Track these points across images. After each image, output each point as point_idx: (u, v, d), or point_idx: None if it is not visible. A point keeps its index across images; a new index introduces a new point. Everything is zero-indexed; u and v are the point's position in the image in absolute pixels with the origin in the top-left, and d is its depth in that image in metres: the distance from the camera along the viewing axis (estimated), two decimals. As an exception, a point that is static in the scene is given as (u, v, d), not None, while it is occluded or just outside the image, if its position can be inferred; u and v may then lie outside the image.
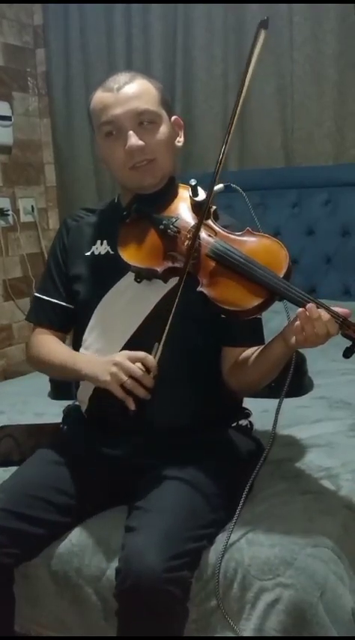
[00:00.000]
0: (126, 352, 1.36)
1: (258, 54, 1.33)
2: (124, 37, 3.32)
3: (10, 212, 3.46)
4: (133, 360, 1.33)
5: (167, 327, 1.31)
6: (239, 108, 1.36)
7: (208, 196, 1.40)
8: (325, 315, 1.26)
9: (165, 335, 1.31)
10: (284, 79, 2.99)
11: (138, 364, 1.32)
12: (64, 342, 1.63)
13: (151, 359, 1.32)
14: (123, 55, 3.34)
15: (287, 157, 3.05)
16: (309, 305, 1.26)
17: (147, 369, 1.32)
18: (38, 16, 3.60)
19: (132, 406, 1.32)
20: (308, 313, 1.26)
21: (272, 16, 2.90)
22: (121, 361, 1.33)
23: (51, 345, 1.57)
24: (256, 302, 1.32)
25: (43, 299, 1.60)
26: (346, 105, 2.90)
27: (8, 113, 3.41)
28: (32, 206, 3.62)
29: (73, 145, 3.54)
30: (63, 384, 2.08)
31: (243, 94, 1.36)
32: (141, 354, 1.33)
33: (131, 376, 1.32)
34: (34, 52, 3.65)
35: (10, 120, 3.42)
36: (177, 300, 1.32)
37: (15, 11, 3.52)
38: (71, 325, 1.62)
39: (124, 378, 1.32)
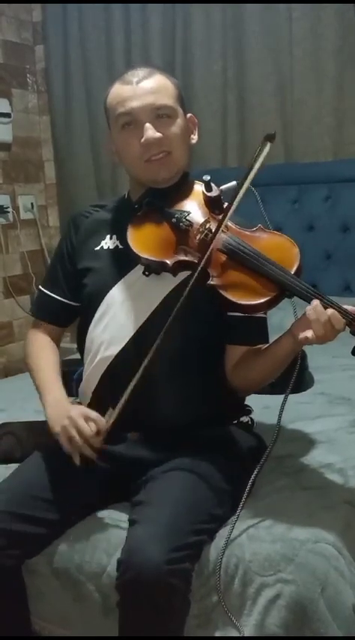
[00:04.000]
0: (83, 410, 1.39)
1: (259, 165, 1.35)
2: (123, 34, 3.32)
3: (9, 209, 3.46)
4: (87, 420, 1.35)
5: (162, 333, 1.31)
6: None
7: (226, 209, 1.39)
8: (329, 311, 1.26)
9: (151, 352, 1.30)
10: (283, 75, 2.98)
11: (92, 424, 1.35)
12: (61, 336, 1.67)
13: (103, 423, 1.35)
14: (123, 51, 3.33)
15: (286, 153, 3.04)
16: (314, 301, 1.27)
17: (98, 432, 1.35)
18: (37, 13, 3.59)
19: (76, 461, 1.37)
20: (314, 310, 1.26)
21: (271, 12, 2.96)
22: (75, 417, 1.36)
23: (40, 353, 1.60)
24: (267, 297, 1.32)
25: (45, 293, 1.63)
26: (345, 100, 2.89)
27: (7, 110, 3.41)
28: (32, 203, 3.62)
29: (73, 141, 3.54)
30: (63, 382, 2.08)
31: (239, 198, 1.37)
32: (95, 415, 1.36)
33: (80, 434, 1.34)
34: (33, 49, 3.65)
35: (10, 117, 3.43)
36: (184, 295, 1.31)
37: (14, 8, 3.51)
38: (71, 321, 1.65)
39: (73, 433, 1.35)
